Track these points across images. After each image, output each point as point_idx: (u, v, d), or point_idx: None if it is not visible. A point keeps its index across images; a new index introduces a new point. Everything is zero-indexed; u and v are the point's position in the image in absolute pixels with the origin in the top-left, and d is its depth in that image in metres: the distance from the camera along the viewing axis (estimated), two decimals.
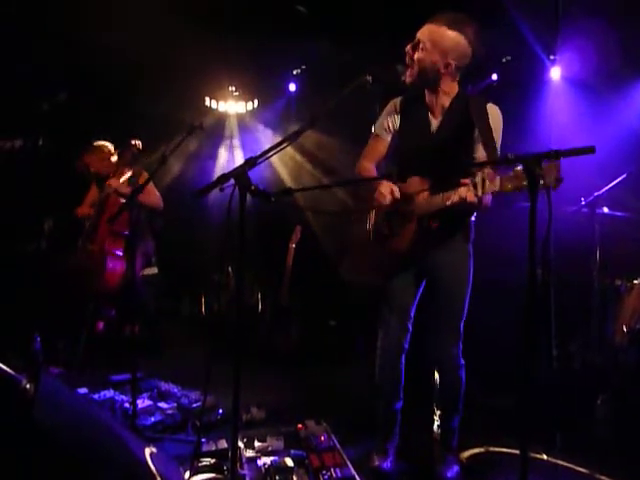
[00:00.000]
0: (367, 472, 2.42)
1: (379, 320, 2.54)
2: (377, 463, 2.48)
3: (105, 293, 3.76)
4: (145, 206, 3.88)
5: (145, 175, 3.92)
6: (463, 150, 2.30)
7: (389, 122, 2.45)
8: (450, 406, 2.50)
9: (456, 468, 2.45)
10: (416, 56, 2.24)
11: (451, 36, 2.20)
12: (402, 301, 2.47)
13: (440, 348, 2.45)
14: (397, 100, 2.46)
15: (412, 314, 2.49)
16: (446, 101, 2.34)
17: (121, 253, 3.82)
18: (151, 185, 3.96)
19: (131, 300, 3.59)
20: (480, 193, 1.93)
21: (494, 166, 2.10)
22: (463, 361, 2.46)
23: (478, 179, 1.92)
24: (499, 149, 2.21)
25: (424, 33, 2.24)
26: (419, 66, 2.24)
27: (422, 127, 2.37)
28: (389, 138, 2.47)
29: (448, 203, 2.07)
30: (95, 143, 4.02)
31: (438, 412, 2.60)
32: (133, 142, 3.62)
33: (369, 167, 2.49)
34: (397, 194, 2.25)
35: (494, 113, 2.26)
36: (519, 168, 1.68)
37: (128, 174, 3.74)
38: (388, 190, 2.25)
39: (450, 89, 2.33)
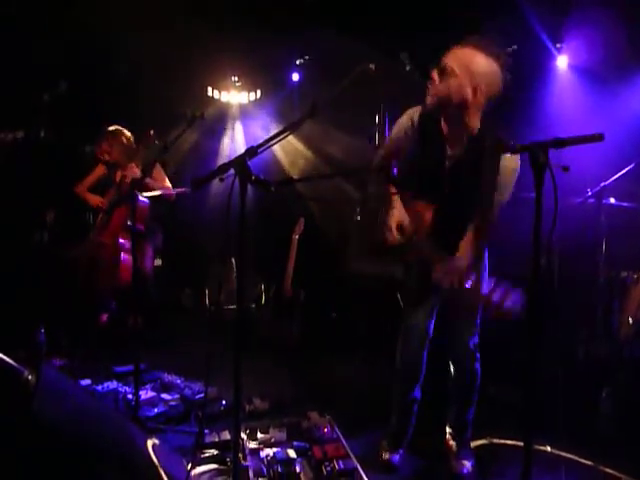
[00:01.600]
0: (376, 465, 2.43)
1: (403, 310, 2.48)
2: (387, 457, 2.47)
3: (119, 287, 3.75)
4: (159, 196, 3.86)
5: (159, 166, 3.93)
6: (474, 187, 2.14)
7: (406, 134, 2.29)
8: (465, 399, 2.47)
9: (470, 463, 2.43)
10: (443, 82, 2.07)
11: (483, 60, 2.05)
12: (427, 292, 2.38)
13: (457, 340, 2.41)
14: (414, 113, 2.29)
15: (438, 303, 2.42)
16: (465, 135, 2.16)
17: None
18: (163, 175, 3.97)
19: (136, 292, 3.58)
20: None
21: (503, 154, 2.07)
22: (479, 354, 2.42)
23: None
24: (508, 197, 2.15)
25: (453, 57, 2.07)
26: (445, 92, 2.07)
27: (437, 157, 2.23)
28: (402, 143, 2.33)
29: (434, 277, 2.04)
30: (111, 128, 3.96)
31: (452, 406, 2.57)
32: (151, 132, 3.58)
33: (386, 160, 2.39)
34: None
35: (509, 161, 2.10)
36: None
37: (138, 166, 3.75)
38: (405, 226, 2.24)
39: (473, 123, 2.15)
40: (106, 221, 3.83)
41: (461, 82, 2.05)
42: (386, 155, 2.44)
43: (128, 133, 3.98)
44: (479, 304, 2.33)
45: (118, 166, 3.92)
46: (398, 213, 2.28)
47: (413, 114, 2.30)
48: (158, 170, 3.96)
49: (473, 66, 2.05)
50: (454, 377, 2.49)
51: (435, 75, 2.09)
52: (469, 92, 2.06)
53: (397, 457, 2.48)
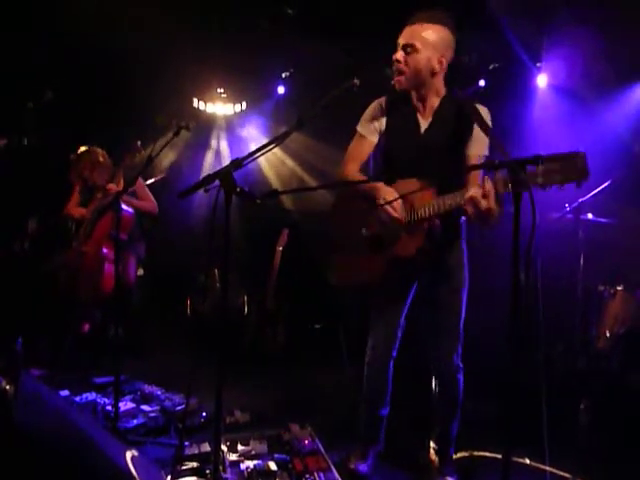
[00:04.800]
0: (344, 474, 2.40)
1: (369, 327, 2.51)
2: (353, 466, 2.47)
3: (101, 297, 3.70)
4: (140, 211, 3.86)
5: (142, 182, 3.90)
6: (453, 151, 2.26)
7: (375, 123, 2.37)
8: (448, 410, 2.47)
9: (453, 479, 2.43)
10: (409, 60, 2.18)
11: (436, 30, 2.18)
12: (392, 309, 2.44)
13: (439, 352, 2.41)
14: (382, 100, 2.38)
15: (402, 321, 2.45)
16: (435, 101, 2.29)
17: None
18: (146, 190, 3.94)
19: (118, 302, 3.54)
20: (500, 190, 1.83)
21: (480, 169, 2.11)
22: (462, 364, 2.42)
23: (488, 186, 1.84)
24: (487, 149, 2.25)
25: (411, 35, 2.18)
26: (414, 69, 2.18)
27: (411, 128, 2.31)
28: (375, 139, 2.38)
29: (466, 197, 1.91)
30: (82, 149, 3.85)
31: (436, 421, 2.58)
32: (139, 143, 3.53)
33: (356, 171, 2.39)
34: (399, 207, 2.19)
35: (484, 112, 2.22)
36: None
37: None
38: (397, 205, 2.17)
39: (440, 88, 2.29)
40: (89, 231, 3.79)
41: (425, 55, 2.18)
42: (352, 159, 2.41)
43: (100, 150, 3.87)
44: (460, 320, 2.37)
45: (99, 187, 3.80)
46: (388, 193, 2.21)
47: (381, 101, 2.38)
48: (141, 186, 3.94)
49: (431, 39, 2.18)
50: (438, 392, 2.50)
51: (400, 56, 2.20)
52: (435, 62, 2.20)
53: (364, 467, 2.48)
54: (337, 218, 2.49)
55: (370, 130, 2.38)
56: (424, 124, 2.31)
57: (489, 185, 1.84)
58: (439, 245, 2.26)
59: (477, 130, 2.21)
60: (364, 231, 2.34)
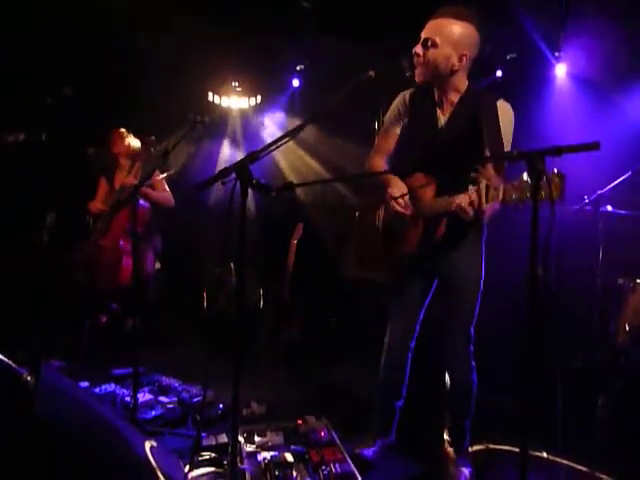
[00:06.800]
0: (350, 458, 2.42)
1: (388, 316, 2.54)
2: (358, 450, 2.51)
3: (119, 289, 3.77)
4: (156, 203, 3.91)
5: (157, 173, 3.95)
6: (471, 148, 2.22)
7: (399, 115, 2.40)
8: (461, 408, 2.46)
9: (468, 470, 2.43)
10: (428, 54, 2.16)
11: (460, 27, 2.15)
12: (410, 301, 2.46)
13: (451, 349, 2.42)
14: (407, 93, 2.39)
15: (420, 315, 2.47)
16: (455, 97, 2.28)
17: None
18: (163, 182, 3.98)
19: (135, 295, 3.58)
20: (483, 202, 1.92)
21: (498, 162, 2.09)
22: (474, 363, 2.42)
23: (482, 186, 1.90)
24: (509, 147, 2.15)
25: (433, 29, 2.16)
26: (432, 64, 2.17)
27: (429, 122, 2.31)
28: (399, 131, 2.42)
29: (453, 207, 2.03)
30: (120, 130, 4.03)
31: (448, 414, 2.58)
32: (151, 139, 3.62)
33: (381, 163, 2.46)
34: (406, 202, 2.24)
35: (504, 110, 2.18)
36: (524, 178, 1.67)
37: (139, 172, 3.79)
38: (402, 200, 2.23)
39: (461, 84, 2.27)
40: (106, 225, 3.85)
41: (445, 52, 2.15)
42: (378, 152, 2.48)
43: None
44: (472, 316, 2.36)
45: (115, 170, 3.92)
46: (397, 187, 2.28)
47: (405, 94, 2.41)
48: (158, 179, 3.97)
49: (453, 35, 2.15)
50: (450, 387, 2.50)
51: (419, 50, 2.18)
52: (455, 59, 2.17)
53: (370, 452, 2.51)
54: (361, 212, 2.56)
55: (394, 123, 2.42)
56: (443, 120, 2.30)
57: (475, 196, 1.94)
58: (446, 244, 2.27)
59: (492, 129, 2.15)
60: (380, 224, 2.38)
